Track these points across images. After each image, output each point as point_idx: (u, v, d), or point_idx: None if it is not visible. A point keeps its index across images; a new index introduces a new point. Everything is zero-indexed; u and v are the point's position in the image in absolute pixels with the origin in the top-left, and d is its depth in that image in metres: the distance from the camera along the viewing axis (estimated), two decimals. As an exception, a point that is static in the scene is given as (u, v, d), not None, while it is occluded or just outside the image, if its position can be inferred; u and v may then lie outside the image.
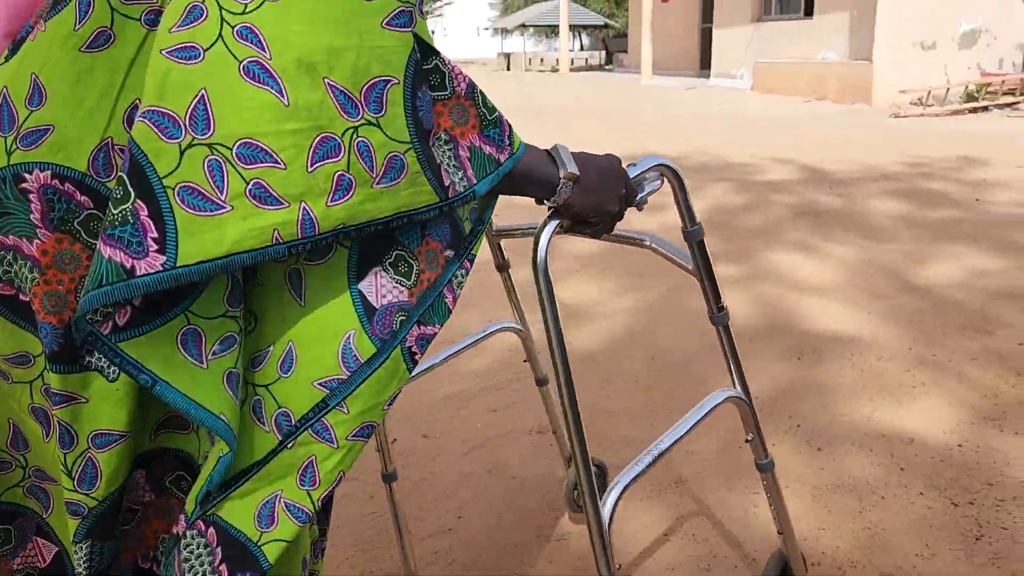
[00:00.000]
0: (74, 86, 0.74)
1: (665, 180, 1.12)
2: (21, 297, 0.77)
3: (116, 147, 0.75)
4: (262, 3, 0.67)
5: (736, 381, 1.30)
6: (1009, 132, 8.70)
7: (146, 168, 0.67)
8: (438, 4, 34.65)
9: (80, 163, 0.74)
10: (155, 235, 0.67)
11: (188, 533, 0.79)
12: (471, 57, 37.52)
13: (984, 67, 11.90)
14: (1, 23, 0.81)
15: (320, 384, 0.78)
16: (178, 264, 0.67)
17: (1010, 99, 10.96)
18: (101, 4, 0.74)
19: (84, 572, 0.82)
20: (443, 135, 0.79)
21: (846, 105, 11.64)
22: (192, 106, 0.67)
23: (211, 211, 0.67)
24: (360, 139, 0.71)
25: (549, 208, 0.94)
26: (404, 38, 0.73)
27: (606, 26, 29.58)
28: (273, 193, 0.68)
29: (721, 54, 15.63)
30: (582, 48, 35.05)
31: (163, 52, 0.68)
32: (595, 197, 0.93)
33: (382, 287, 0.79)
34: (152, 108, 0.67)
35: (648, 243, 1.23)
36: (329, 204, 0.70)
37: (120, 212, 0.67)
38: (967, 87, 11.09)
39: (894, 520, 1.85)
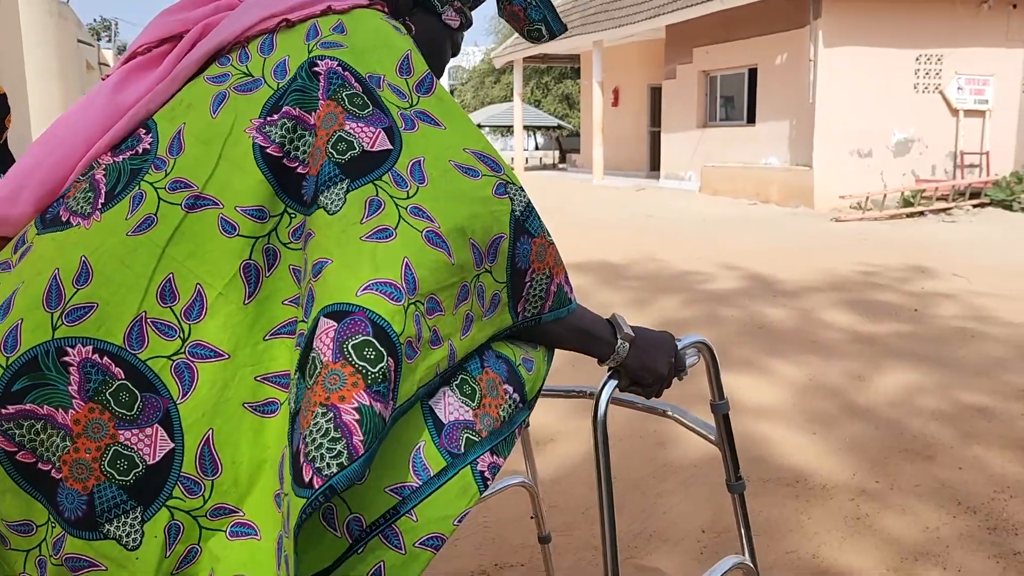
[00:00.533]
0: (119, 267, 0.84)
1: (701, 356, 1.22)
2: (40, 466, 0.81)
3: (149, 320, 0.84)
4: (417, 189, 0.86)
5: (745, 548, 1.37)
6: (944, 237, 9.08)
7: (389, 332, 0.79)
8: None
9: (117, 337, 0.82)
10: (395, 386, 0.79)
11: None
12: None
13: (918, 174, 12.50)
14: (32, 201, 0.91)
15: (392, 490, 0.84)
16: (396, 406, 0.81)
17: (943, 204, 11.49)
18: (151, 194, 0.86)
19: None
20: (539, 276, 0.96)
21: (789, 208, 12.06)
22: (403, 272, 0.81)
23: (412, 358, 0.82)
24: (480, 284, 0.90)
25: (609, 368, 1.08)
26: (505, 202, 0.92)
27: (559, 127, 30.55)
28: (440, 336, 0.85)
29: (670, 156, 16.18)
30: (537, 147, 36.00)
31: (363, 237, 0.82)
32: (649, 360, 1.08)
33: (449, 405, 0.89)
34: (377, 280, 0.80)
35: (669, 413, 1.35)
36: (461, 338, 0.88)
37: (380, 370, 0.77)
38: (903, 193, 11.61)
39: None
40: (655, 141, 18.12)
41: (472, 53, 40.66)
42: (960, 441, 3.16)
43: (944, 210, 11.36)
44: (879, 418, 3.43)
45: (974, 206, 11.62)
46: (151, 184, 0.86)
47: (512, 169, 0.97)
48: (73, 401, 0.81)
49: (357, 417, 0.75)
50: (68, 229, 0.87)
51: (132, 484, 0.81)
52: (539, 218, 0.97)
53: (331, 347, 0.77)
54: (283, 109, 0.88)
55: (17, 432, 0.81)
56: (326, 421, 0.75)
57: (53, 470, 0.81)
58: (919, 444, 3.14)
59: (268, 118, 0.88)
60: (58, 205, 0.90)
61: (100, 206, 0.86)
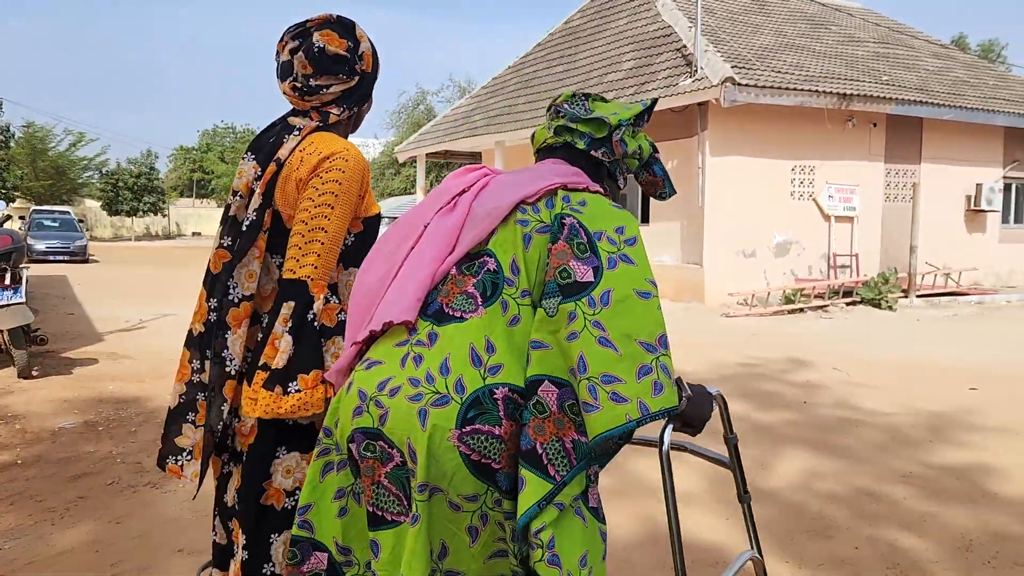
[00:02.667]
0: (508, 343, 1.41)
1: (715, 404, 1.65)
2: (484, 461, 1.35)
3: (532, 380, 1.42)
4: (601, 310, 1.38)
5: (755, 545, 1.89)
6: (822, 333, 9.84)
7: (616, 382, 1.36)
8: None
9: (518, 379, 1.40)
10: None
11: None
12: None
13: (797, 273, 13.51)
14: (416, 304, 1.47)
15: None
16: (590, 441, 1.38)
17: (820, 302, 12.43)
18: (512, 303, 1.44)
19: None
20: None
21: (683, 303, 12.75)
22: (578, 362, 1.36)
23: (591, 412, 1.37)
24: (662, 364, 1.37)
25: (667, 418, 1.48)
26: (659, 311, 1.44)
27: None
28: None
29: (569, 252, 16.86)
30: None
31: (564, 339, 1.38)
32: (698, 411, 1.51)
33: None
34: (573, 367, 1.38)
35: (688, 448, 1.83)
36: (653, 397, 1.34)
37: (581, 419, 1.37)
38: (784, 291, 12.50)
39: None
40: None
41: (372, 145, 41.23)
42: (854, 522, 3.51)
43: (821, 307, 12.29)
44: (782, 501, 3.75)
45: (847, 303, 12.63)
46: (509, 296, 1.45)
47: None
48: (503, 421, 1.37)
49: (572, 447, 1.37)
50: (466, 321, 1.43)
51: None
52: None
53: (555, 403, 1.37)
54: (562, 253, 1.45)
55: (472, 442, 1.35)
56: (559, 445, 1.36)
57: (493, 463, 1.36)
58: (819, 525, 3.46)
59: (553, 253, 1.45)
60: (436, 304, 1.47)
61: (481, 304, 1.44)
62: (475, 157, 23.65)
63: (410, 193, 32.96)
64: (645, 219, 14.85)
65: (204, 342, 1.84)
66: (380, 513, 1.43)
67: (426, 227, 1.57)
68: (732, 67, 12.12)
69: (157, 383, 6.22)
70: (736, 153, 12.98)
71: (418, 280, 1.48)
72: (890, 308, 12.46)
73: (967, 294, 14.06)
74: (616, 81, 14.54)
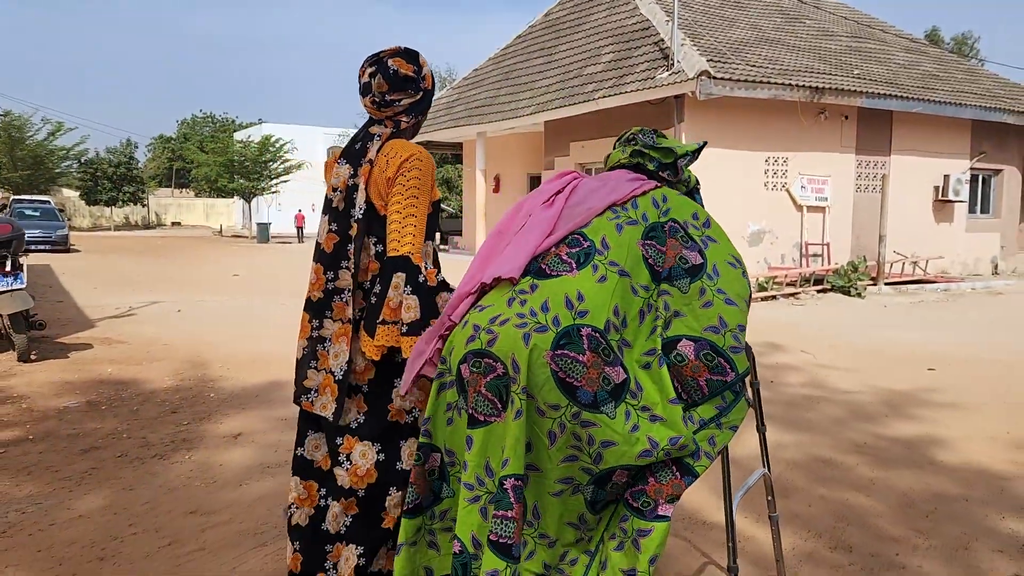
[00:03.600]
0: (595, 297, 1.85)
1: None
2: (569, 380, 1.78)
3: (610, 322, 1.83)
4: (718, 280, 1.96)
5: (766, 465, 2.48)
6: (794, 318, 10.21)
7: (718, 348, 1.91)
8: (275, 182, 35.42)
9: (600, 325, 1.82)
10: (728, 367, 1.94)
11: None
12: (309, 232, 38.13)
13: (770, 262, 13.90)
14: (523, 266, 1.95)
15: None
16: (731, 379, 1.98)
17: (792, 289, 12.82)
18: (601, 266, 1.91)
19: None
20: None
21: (660, 291, 13.09)
22: (719, 320, 1.92)
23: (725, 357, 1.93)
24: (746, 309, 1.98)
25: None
26: (745, 279, 2.00)
27: (442, 209, 31.41)
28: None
29: (549, 242, 17.17)
30: (417, 227, 36.66)
31: (700, 307, 1.94)
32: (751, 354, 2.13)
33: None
34: (709, 325, 1.93)
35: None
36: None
37: (716, 363, 1.91)
38: (758, 279, 12.87)
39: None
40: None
41: (352, 134, 41.22)
42: (810, 484, 3.84)
43: (793, 294, 12.68)
44: (747, 468, 4.07)
45: (818, 291, 13.04)
46: (600, 262, 1.92)
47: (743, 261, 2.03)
48: (585, 351, 1.78)
49: (706, 384, 1.88)
50: (561, 277, 1.90)
51: (610, 390, 1.79)
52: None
53: (692, 353, 1.87)
54: (650, 241, 1.97)
55: (560, 362, 1.77)
56: (695, 383, 1.88)
57: (575, 381, 1.76)
58: (778, 487, 3.78)
59: (645, 241, 1.97)
60: (535, 264, 1.96)
61: (574, 268, 1.91)
62: (457, 147, 23.88)
63: (391, 183, 33.04)
64: (624, 209, 15.16)
65: (323, 305, 2.31)
66: (476, 415, 1.85)
67: (530, 217, 2.12)
68: (708, 61, 12.44)
69: (152, 367, 6.45)
70: (711, 144, 13.31)
71: (524, 251, 1.98)
72: (859, 295, 12.87)
73: (934, 282, 14.52)
74: (595, 74, 14.82)
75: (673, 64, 12.72)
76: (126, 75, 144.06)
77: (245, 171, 34.27)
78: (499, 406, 1.81)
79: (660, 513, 1.81)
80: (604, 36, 16.11)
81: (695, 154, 2.20)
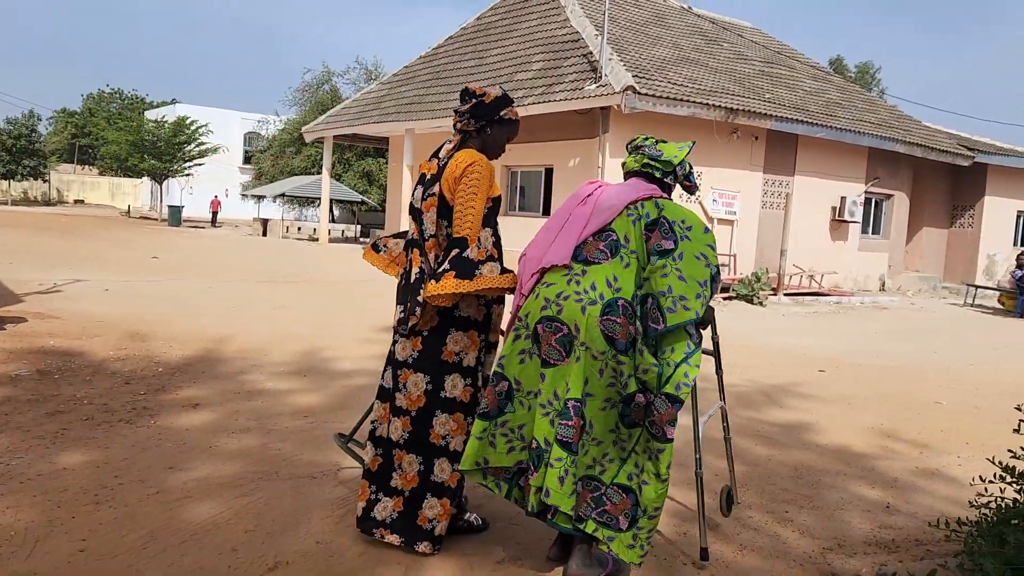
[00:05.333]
0: (625, 278, 2.74)
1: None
2: (612, 335, 2.69)
3: (635, 295, 2.73)
4: (679, 263, 2.73)
5: (723, 398, 3.38)
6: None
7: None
8: (188, 164, 34.65)
9: (629, 296, 2.72)
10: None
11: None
12: (220, 217, 37.45)
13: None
14: (569, 254, 2.81)
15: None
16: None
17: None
18: (626, 256, 2.79)
19: None
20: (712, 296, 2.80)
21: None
22: (669, 287, 2.73)
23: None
24: (705, 295, 2.73)
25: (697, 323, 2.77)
26: (708, 271, 2.77)
27: (363, 202, 31.38)
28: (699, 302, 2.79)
29: (472, 240, 17.62)
30: (333, 220, 36.54)
31: (660, 276, 2.74)
32: (711, 316, 2.93)
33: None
34: (669, 287, 2.76)
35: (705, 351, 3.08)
36: (700, 309, 2.71)
37: (694, 310, 2.74)
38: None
39: (649, 579, 2.86)
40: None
41: (272, 122, 40.61)
42: (714, 460, 4.43)
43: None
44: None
45: (724, 298, 13.94)
46: (624, 252, 2.77)
47: (714, 254, 2.77)
48: (621, 316, 2.65)
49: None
50: (601, 264, 2.75)
51: (631, 342, 2.67)
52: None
53: (650, 304, 2.73)
54: (647, 232, 2.78)
55: (606, 325, 2.64)
56: (644, 327, 2.74)
57: (615, 335, 2.64)
58: (678, 459, 4.36)
59: (646, 232, 2.79)
60: (580, 253, 2.79)
61: (609, 257, 2.76)
62: (383, 142, 24.07)
63: (311, 173, 32.83)
64: (547, 211, 15.78)
65: (415, 243, 3.08)
66: (548, 359, 2.72)
67: (571, 215, 2.93)
68: (633, 76, 13.16)
69: (94, 341, 6.59)
70: (633, 156, 14.06)
71: (569, 243, 2.83)
72: (761, 304, 13.84)
73: (828, 295, 15.70)
74: (525, 80, 15.37)
75: (601, 77, 13.39)
76: (28, 44, 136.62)
77: (157, 152, 33.40)
78: (564, 354, 2.69)
79: (668, 436, 2.67)
80: (535, 44, 16.70)
81: (685, 157, 3.05)
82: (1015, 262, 17.15)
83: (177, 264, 14.42)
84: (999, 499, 2.74)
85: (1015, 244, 20.91)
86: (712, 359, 3.45)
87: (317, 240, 25.34)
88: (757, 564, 3.07)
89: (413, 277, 3.02)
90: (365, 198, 31.37)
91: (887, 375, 7.65)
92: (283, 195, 31.82)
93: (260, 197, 33.74)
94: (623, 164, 3.11)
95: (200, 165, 35.47)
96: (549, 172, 15.80)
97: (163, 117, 36.51)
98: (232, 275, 13.02)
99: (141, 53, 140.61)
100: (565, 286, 2.74)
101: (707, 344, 3.06)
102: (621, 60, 13.87)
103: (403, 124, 18.33)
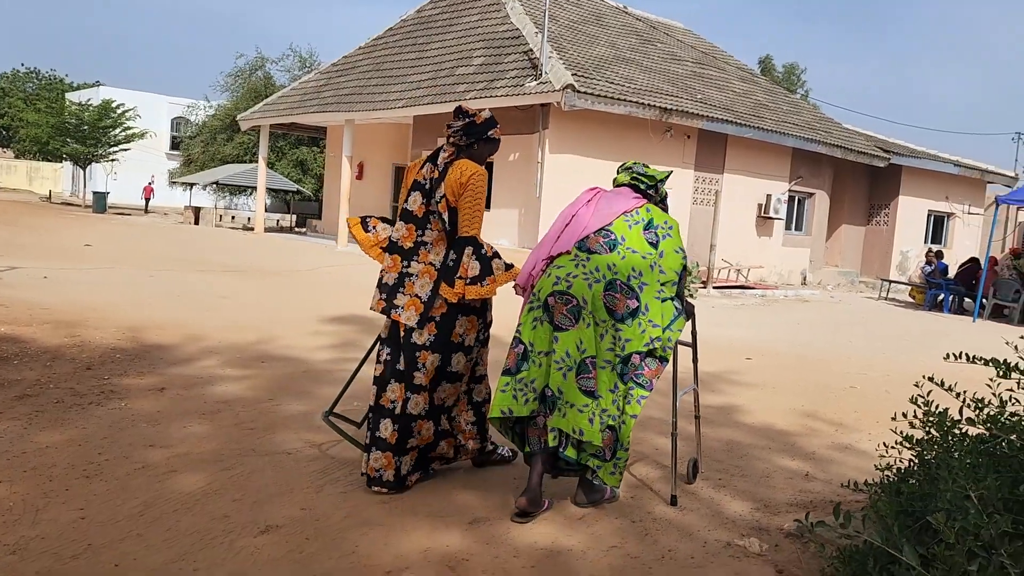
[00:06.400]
0: (623, 267, 3.41)
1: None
2: (611, 307, 3.41)
3: (633, 271, 3.42)
4: (661, 258, 3.49)
5: (696, 382, 3.98)
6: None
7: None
8: (114, 149, 33.74)
9: (624, 278, 3.40)
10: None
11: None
12: (149, 205, 36.52)
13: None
14: (573, 243, 3.50)
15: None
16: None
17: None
18: (624, 251, 3.46)
19: None
20: (686, 286, 3.63)
21: (517, 284, 14.12)
22: (655, 274, 3.49)
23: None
24: (683, 284, 3.57)
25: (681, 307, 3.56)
26: (682, 262, 3.54)
27: (298, 191, 31.12)
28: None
29: (412, 231, 17.82)
30: (266, 209, 36.10)
31: (649, 267, 3.49)
32: (691, 308, 3.65)
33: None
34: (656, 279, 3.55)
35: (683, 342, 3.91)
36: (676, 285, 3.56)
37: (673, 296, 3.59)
38: (605, 276, 14.18)
39: None
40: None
41: (203, 108, 39.79)
42: (655, 437, 4.84)
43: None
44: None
45: (657, 291, 14.50)
46: (620, 248, 3.44)
47: (681, 244, 3.54)
48: (619, 292, 3.36)
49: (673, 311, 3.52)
50: (601, 255, 3.42)
51: (630, 312, 3.38)
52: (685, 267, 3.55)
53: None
54: (649, 231, 3.53)
55: (608, 298, 3.35)
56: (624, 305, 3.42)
57: (614, 307, 3.37)
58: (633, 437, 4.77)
59: (645, 232, 3.51)
60: (584, 245, 3.46)
61: (608, 250, 3.43)
62: (319, 131, 24.00)
63: (244, 161, 32.37)
64: (487, 205, 16.07)
65: (412, 251, 3.54)
66: (560, 325, 3.37)
67: (574, 215, 3.57)
68: (573, 75, 13.58)
69: (43, 328, 6.63)
70: (571, 152, 14.51)
71: (575, 236, 3.50)
72: (692, 296, 14.45)
73: (754, 288, 16.47)
74: (467, 75, 15.65)
75: (542, 75, 13.76)
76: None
77: (81, 136, 32.43)
78: (574, 321, 3.37)
79: (651, 387, 3.39)
80: (476, 39, 16.97)
81: (665, 179, 3.75)
82: (924, 259, 18.29)
83: (112, 252, 14.23)
84: (898, 461, 3.21)
85: (926, 241, 22.21)
86: (690, 351, 4.05)
87: (252, 229, 25.10)
88: (696, 522, 3.48)
89: (393, 281, 3.55)
90: (300, 187, 31.11)
91: (807, 363, 8.25)
92: (216, 183, 31.31)
93: (191, 185, 33.09)
94: (614, 180, 3.79)
95: (126, 150, 34.56)
96: (489, 166, 16.03)
97: (88, 100, 35.42)
98: (171, 264, 12.94)
99: (60, 31, 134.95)
100: (573, 268, 3.40)
101: (686, 336, 3.83)
102: (561, 59, 14.27)
103: (343, 115, 18.37)
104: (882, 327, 12.50)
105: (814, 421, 5.65)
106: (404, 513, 3.33)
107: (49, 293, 8.59)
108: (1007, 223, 23.55)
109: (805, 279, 19.52)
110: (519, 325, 3.48)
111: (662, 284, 3.43)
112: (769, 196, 17.88)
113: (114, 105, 33.28)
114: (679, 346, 3.74)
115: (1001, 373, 2.78)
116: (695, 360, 4.04)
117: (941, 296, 16.12)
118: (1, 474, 3.43)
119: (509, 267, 3.56)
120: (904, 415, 3.05)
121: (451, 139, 3.55)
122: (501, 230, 15.33)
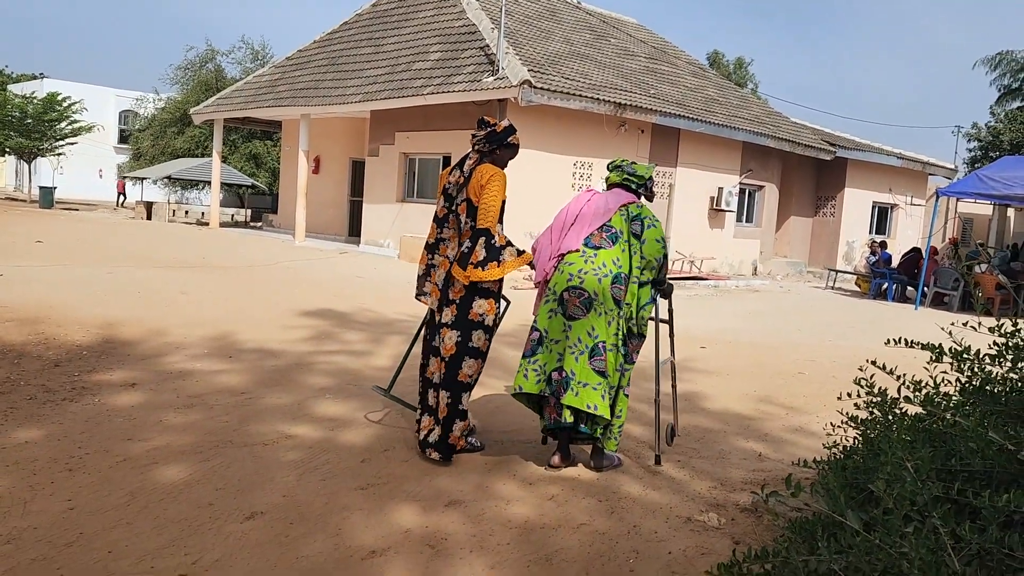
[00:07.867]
0: (624, 259, 3.97)
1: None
2: (617, 298, 3.94)
3: (634, 267, 3.99)
4: (641, 247, 3.99)
5: (673, 354, 4.51)
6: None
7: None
8: (60, 143, 32.93)
9: (627, 271, 3.96)
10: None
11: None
12: (94, 199, 35.80)
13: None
14: (580, 240, 4.00)
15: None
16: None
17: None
18: (623, 244, 4.01)
19: None
20: (666, 273, 4.16)
21: (477, 277, 14.27)
22: (633, 263, 4.02)
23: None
24: (665, 260, 4.10)
25: (659, 291, 4.15)
26: (663, 251, 4.05)
27: (253, 186, 30.76)
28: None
29: (370, 225, 17.83)
30: (220, 204, 35.58)
31: (630, 256, 4.05)
32: (670, 289, 4.19)
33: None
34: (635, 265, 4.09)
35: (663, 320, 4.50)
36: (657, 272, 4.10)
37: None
38: (563, 269, 14.42)
39: (572, 515, 3.44)
40: (354, 209, 19.71)
41: (152, 100, 38.99)
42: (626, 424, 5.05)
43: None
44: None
45: (613, 283, 14.79)
46: (621, 241, 3.98)
47: (664, 236, 3.68)
48: (624, 285, 3.91)
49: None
50: (606, 249, 3.94)
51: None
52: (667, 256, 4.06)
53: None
54: (634, 224, 4.01)
55: (614, 291, 3.87)
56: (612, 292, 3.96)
57: (619, 298, 3.91)
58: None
59: (631, 224, 4.00)
60: (588, 241, 3.97)
61: (611, 245, 3.96)
62: (273, 125, 23.78)
63: (196, 155, 31.87)
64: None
65: (435, 246, 4.14)
66: (574, 315, 3.86)
67: (576, 215, 4.05)
68: (529, 71, 13.75)
69: (6, 326, 6.60)
70: (528, 147, 14.66)
71: (580, 235, 3.98)
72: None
73: (707, 279, 16.87)
74: (424, 70, 15.71)
75: (498, 70, 13.91)
76: None
77: (25, 129, 31.58)
78: (585, 311, 3.85)
79: (634, 360, 4.00)
80: (432, 34, 17.03)
81: (652, 176, 4.23)
82: (869, 249, 18.92)
83: (65, 249, 14.01)
84: (844, 440, 3.46)
85: (870, 232, 22.93)
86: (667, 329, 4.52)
87: (207, 224, 24.80)
88: (659, 499, 3.71)
89: (422, 272, 4.21)
90: (255, 182, 30.77)
91: (759, 350, 8.58)
92: (168, 177, 30.79)
93: (141, 179, 32.50)
94: (606, 179, 4.27)
95: (73, 144, 33.75)
96: (447, 160, 16.20)
97: (32, 93, 34.49)
98: (127, 260, 12.81)
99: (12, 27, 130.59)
100: (583, 264, 3.89)
101: (664, 314, 4.40)
102: (517, 54, 14.43)
103: (299, 109, 18.27)
104: (829, 315, 12.96)
105: (767, 405, 5.93)
106: (383, 498, 3.49)
107: (6, 291, 8.49)
108: (947, 214, 24.41)
109: (756, 270, 20.02)
110: (536, 318, 4.03)
111: (641, 269, 3.93)
112: (721, 189, 18.30)
113: (60, 98, 32.47)
114: (660, 324, 4.31)
115: (935, 357, 3.03)
116: (671, 335, 4.50)
117: (885, 285, 16.70)
118: (-17, 469, 3.49)
119: (521, 252, 3.99)
120: (849, 395, 3.29)
121: (475, 146, 4.06)
122: (460, 224, 15.42)
